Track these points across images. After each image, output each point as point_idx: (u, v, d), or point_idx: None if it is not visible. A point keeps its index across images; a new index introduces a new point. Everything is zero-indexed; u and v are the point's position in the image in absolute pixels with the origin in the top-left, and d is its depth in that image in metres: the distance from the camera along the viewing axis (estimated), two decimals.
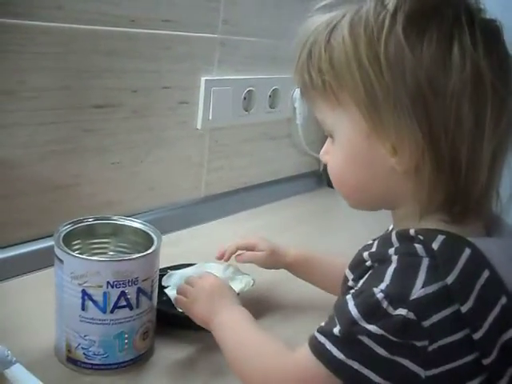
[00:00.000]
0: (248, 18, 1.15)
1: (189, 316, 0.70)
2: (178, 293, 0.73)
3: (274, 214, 1.28)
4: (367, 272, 0.53)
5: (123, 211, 0.98)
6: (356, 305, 0.50)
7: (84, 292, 0.64)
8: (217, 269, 0.84)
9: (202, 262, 0.86)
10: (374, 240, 0.59)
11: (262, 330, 0.63)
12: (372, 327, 0.48)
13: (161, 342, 0.75)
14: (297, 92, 1.32)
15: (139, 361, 0.70)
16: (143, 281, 0.67)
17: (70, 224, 0.71)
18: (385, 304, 0.48)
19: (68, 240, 0.69)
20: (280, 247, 0.85)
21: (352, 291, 0.52)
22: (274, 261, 0.84)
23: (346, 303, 0.51)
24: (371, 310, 0.49)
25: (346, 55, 0.52)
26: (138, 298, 0.67)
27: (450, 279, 0.49)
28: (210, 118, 1.13)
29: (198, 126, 1.13)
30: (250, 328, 0.63)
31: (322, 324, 0.54)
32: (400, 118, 0.51)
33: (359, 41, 0.52)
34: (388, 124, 0.52)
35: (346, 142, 0.56)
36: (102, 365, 0.67)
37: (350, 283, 0.56)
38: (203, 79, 1.10)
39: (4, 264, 0.86)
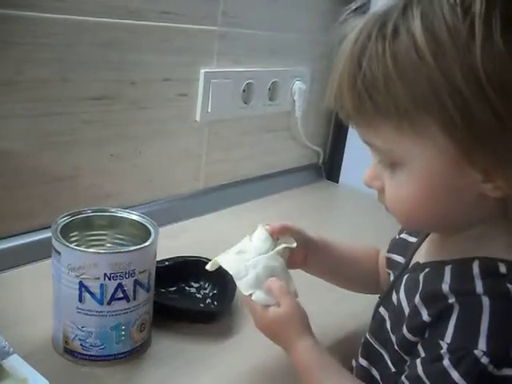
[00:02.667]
0: (248, 10, 1.14)
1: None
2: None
3: (272, 207, 1.28)
4: (449, 311, 0.48)
5: (122, 203, 0.98)
6: (463, 375, 0.45)
7: (81, 284, 0.65)
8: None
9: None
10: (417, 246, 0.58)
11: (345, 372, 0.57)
12: None
13: (158, 333, 0.75)
14: (296, 85, 1.32)
15: (136, 352, 0.71)
16: (140, 273, 0.67)
17: (67, 216, 0.71)
18: (490, 368, 0.45)
19: (66, 232, 0.69)
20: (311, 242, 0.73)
21: (442, 351, 0.47)
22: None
23: (449, 375, 0.46)
24: (480, 379, 0.45)
25: (429, 75, 0.43)
26: (134, 290, 0.67)
27: None
28: (209, 110, 1.13)
29: (197, 118, 1.13)
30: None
31: None
32: (505, 142, 0.44)
33: (443, 53, 0.42)
34: (487, 148, 0.44)
35: (426, 172, 0.48)
36: (99, 356, 0.68)
37: (425, 318, 0.50)
38: (202, 71, 1.09)
39: (2, 255, 0.86)
